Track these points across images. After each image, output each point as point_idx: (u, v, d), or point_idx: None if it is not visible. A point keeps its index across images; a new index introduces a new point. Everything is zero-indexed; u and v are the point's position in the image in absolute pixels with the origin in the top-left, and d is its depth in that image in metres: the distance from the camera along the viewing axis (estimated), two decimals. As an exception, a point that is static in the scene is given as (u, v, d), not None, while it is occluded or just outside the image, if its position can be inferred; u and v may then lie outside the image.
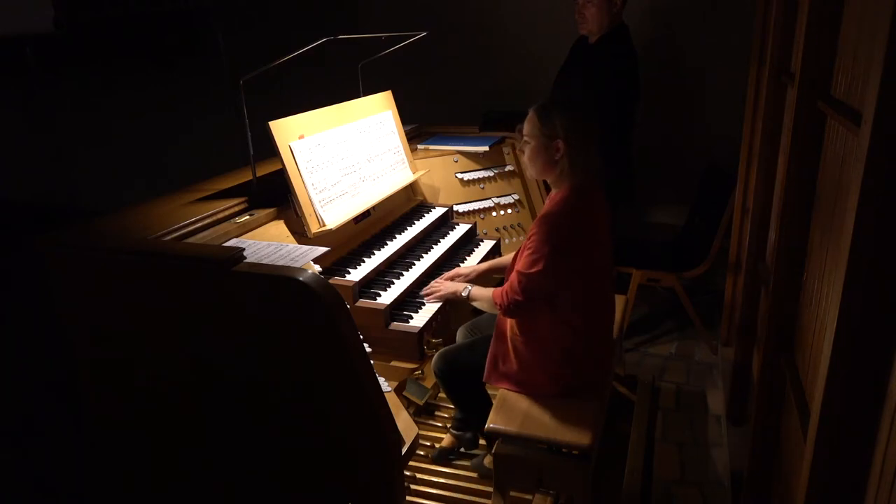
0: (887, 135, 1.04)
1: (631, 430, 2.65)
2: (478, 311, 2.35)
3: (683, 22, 3.60)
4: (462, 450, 2.47)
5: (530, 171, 2.02)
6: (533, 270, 1.86)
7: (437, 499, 2.30)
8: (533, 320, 1.97)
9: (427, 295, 2.18)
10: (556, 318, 1.95)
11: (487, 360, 2.07)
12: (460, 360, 2.19)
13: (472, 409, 2.27)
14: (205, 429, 1.81)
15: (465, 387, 2.23)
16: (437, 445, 2.50)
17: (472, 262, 2.52)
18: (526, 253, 1.90)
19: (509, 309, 1.94)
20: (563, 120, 1.88)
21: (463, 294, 2.11)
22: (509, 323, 2.02)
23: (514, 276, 1.92)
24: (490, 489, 2.03)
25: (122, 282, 1.70)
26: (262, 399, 1.69)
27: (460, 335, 2.41)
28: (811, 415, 1.33)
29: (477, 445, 2.46)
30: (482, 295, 2.07)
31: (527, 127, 1.95)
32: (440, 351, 2.22)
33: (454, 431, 2.46)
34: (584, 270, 1.95)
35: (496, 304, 1.97)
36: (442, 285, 2.19)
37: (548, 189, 3.00)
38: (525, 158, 1.99)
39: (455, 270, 2.33)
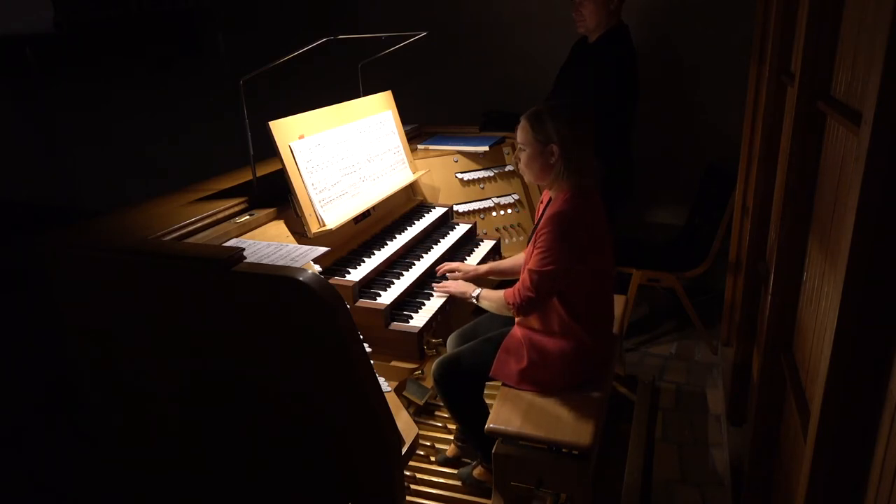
0: (887, 135, 1.04)
1: (631, 430, 2.65)
2: (477, 313, 2.35)
3: (683, 21, 3.60)
4: (465, 459, 2.43)
5: (527, 177, 2.05)
6: (546, 269, 1.90)
7: (437, 499, 2.30)
8: (547, 316, 2.00)
9: (439, 289, 2.22)
10: (569, 313, 1.98)
11: (497, 356, 2.07)
12: (462, 364, 2.14)
13: (470, 420, 2.19)
14: (204, 428, 1.82)
15: (464, 395, 2.17)
16: (437, 447, 2.49)
17: (473, 262, 2.52)
18: (537, 251, 1.92)
19: (522, 307, 1.97)
20: (554, 124, 1.91)
21: (473, 295, 2.13)
22: (522, 320, 2.05)
23: (525, 275, 1.95)
24: (489, 489, 2.03)
25: (122, 282, 1.70)
26: (261, 399, 1.69)
27: (451, 343, 2.36)
28: (811, 415, 1.33)
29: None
30: (492, 296, 2.09)
31: (520, 135, 1.98)
32: (439, 358, 2.19)
33: (458, 443, 2.46)
34: (594, 267, 1.98)
35: (509, 303, 1.99)
36: (453, 283, 2.23)
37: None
38: (522, 165, 2.03)
39: (457, 264, 2.36)
